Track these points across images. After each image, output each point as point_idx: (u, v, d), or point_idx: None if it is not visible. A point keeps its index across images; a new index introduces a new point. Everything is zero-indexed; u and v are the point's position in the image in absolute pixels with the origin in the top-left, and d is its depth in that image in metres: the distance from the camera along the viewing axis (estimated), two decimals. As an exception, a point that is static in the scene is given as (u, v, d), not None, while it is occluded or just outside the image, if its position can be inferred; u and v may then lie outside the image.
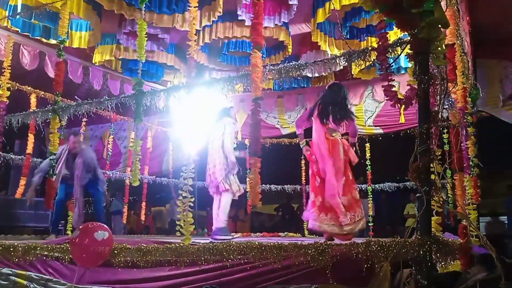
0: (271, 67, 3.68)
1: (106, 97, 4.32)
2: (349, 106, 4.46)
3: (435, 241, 2.48)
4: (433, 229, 2.56)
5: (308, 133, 4.45)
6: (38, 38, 5.70)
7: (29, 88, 6.26)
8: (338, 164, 4.10)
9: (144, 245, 3.37)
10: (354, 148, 4.31)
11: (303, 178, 7.84)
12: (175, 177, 8.14)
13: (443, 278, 2.62)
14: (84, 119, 7.07)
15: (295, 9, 5.22)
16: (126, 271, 3.38)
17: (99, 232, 3.24)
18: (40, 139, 7.36)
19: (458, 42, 3.53)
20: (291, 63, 3.68)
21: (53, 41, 5.67)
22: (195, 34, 3.82)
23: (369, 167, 7.58)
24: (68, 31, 5.15)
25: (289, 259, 2.92)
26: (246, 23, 5.38)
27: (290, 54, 6.15)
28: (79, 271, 3.46)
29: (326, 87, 4.49)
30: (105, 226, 3.40)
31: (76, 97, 4.94)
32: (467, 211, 3.51)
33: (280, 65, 3.70)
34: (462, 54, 3.67)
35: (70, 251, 3.42)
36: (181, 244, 3.24)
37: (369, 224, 7.22)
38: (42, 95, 6.34)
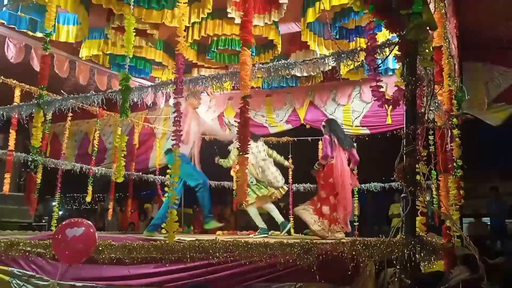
0: (260, 65, 3.68)
1: (93, 92, 4.26)
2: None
3: (419, 241, 2.51)
4: (417, 229, 2.59)
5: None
6: (25, 31, 5.61)
7: (14, 81, 6.16)
8: (348, 185, 4.92)
9: (129, 242, 3.35)
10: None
11: (290, 177, 7.83)
12: (161, 174, 8.08)
13: (426, 277, 2.65)
14: (70, 114, 6.98)
15: (285, 8, 5.21)
16: (111, 268, 3.36)
17: (71, 229, 3.15)
18: (24, 133, 7.25)
19: (445, 44, 3.57)
20: (280, 62, 3.68)
21: (39, 34, 5.57)
22: (184, 31, 3.80)
23: (355, 167, 7.58)
24: (55, 25, 5.06)
25: (275, 257, 2.93)
26: (236, 21, 5.36)
27: (279, 53, 6.14)
28: (62, 267, 3.41)
29: (325, 122, 5.27)
30: (85, 222, 3.27)
31: (62, 91, 4.86)
32: (451, 211, 3.56)
33: (269, 63, 3.69)
34: (449, 57, 3.72)
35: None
36: (166, 242, 3.23)
37: (355, 223, 7.26)
38: (27, 89, 6.24)
